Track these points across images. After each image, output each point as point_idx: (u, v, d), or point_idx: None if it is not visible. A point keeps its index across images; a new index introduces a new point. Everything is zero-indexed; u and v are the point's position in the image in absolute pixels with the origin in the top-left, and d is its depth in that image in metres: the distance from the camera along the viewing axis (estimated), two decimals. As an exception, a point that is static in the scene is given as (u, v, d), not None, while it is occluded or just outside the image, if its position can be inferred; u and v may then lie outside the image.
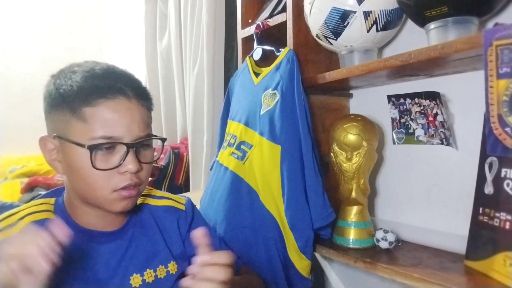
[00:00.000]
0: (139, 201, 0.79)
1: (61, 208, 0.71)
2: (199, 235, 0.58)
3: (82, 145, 0.62)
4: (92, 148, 0.62)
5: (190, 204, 0.86)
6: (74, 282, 0.65)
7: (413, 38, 0.92)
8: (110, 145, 0.64)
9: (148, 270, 0.72)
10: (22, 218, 0.67)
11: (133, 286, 0.70)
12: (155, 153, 0.74)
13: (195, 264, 0.56)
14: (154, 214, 0.79)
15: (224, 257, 0.57)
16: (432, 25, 0.74)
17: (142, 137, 0.67)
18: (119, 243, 0.72)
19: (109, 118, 0.63)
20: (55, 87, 0.66)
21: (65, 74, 0.66)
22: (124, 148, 0.64)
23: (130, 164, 0.64)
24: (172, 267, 0.76)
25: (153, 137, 0.70)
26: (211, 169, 1.15)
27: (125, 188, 0.66)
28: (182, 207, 0.83)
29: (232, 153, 1.02)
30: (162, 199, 0.83)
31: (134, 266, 0.71)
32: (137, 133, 0.66)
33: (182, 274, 0.78)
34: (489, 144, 0.61)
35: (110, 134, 0.63)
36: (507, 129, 0.59)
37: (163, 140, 0.74)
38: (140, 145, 0.67)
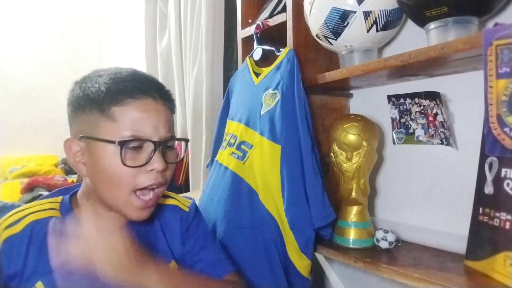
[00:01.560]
0: None
1: (67, 208, 0.72)
2: None
3: (112, 142, 0.63)
4: (123, 144, 0.63)
5: (194, 207, 0.86)
6: (72, 277, 0.65)
7: (413, 38, 0.92)
8: (138, 143, 0.65)
9: None
10: (25, 216, 0.67)
11: None
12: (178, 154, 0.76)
13: None
14: (159, 212, 0.79)
15: None
16: (432, 25, 0.74)
17: (168, 137, 0.68)
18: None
19: (138, 118, 0.65)
20: (81, 90, 0.67)
21: (91, 79, 0.68)
22: (152, 146, 0.65)
23: (157, 163, 0.66)
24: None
25: (177, 139, 0.72)
26: (207, 167, 1.15)
27: (147, 188, 0.67)
28: (186, 209, 0.84)
29: (232, 153, 1.02)
30: (167, 198, 0.83)
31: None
32: (163, 133, 0.67)
33: None
34: (488, 145, 0.61)
35: (139, 133, 0.65)
36: (506, 129, 0.59)
37: (187, 141, 0.77)
38: (165, 145, 0.69)
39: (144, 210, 0.68)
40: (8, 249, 0.63)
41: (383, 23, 0.87)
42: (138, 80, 0.68)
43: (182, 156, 0.71)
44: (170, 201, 0.82)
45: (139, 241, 0.73)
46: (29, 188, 2.43)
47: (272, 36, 1.10)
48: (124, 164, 0.64)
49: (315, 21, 0.92)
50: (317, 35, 0.96)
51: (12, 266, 0.63)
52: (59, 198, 0.74)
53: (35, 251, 0.65)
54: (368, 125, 0.91)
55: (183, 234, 0.80)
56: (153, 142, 0.65)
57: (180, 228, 0.80)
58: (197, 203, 0.90)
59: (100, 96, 0.65)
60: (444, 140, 0.83)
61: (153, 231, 0.77)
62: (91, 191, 0.70)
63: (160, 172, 0.67)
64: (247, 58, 1.14)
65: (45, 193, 2.27)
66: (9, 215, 0.68)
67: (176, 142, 0.74)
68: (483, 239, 0.70)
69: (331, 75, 0.92)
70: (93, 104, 0.65)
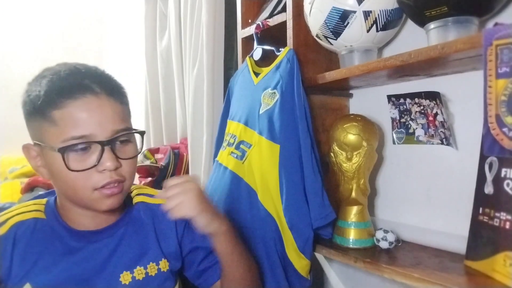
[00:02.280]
0: (135, 199, 0.80)
1: (51, 209, 0.72)
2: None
3: (53, 149, 0.62)
4: (63, 150, 0.62)
5: None
6: (57, 280, 0.65)
7: (413, 38, 0.92)
8: (84, 145, 0.63)
9: (138, 267, 0.73)
10: (10, 218, 0.68)
11: (122, 283, 0.70)
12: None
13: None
14: (151, 212, 0.79)
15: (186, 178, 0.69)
16: (432, 25, 0.74)
17: (118, 132, 0.66)
18: (108, 242, 0.72)
19: (78, 118, 0.62)
20: (27, 95, 0.66)
21: (36, 81, 0.66)
22: (99, 146, 0.63)
23: (108, 162, 0.64)
24: (163, 264, 0.76)
25: (129, 132, 0.68)
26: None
27: (106, 186, 0.65)
28: None
29: (232, 152, 1.02)
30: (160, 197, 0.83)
31: (123, 263, 0.72)
32: (111, 129, 0.65)
33: (174, 272, 0.78)
34: (487, 145, 0.61)
35: (81, 134, 0.62)
36: (505, 129, 0.59)
37: (142, 133, 0.72)
38: (117, 141, 0.66)
39: (111, 198, 0.67)
40: None
41: (383, 23, 0.87)
42: (76, 77, 0.65)
43: (140, 150, 0.68)
44: (161, 200, 0.82)
45: (128, 242, 0.73)
46: (29, 188, 2.42)
47: (272, 36, 1.10)
48: (69, 169, 0.62)
49: (315, 21, 0.92)
50: (317, 35, 0.96)
51: None
52: (44, 200, 0.74)
53: (21, 253, 0.65)
54: (368, 125, 0.91)
55: (181, 231, 0.80)
56: (99, 142, 0.63)
57: (175, 225, 0.80)
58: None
59: (40, 101, 0.63)
60: (444, 140, 0.83)
61: (142, 231, 0.76)
62: (59, 192, 0.71)
63: (113, 170, 0.65)
64: (247, 58, 1.14)
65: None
66: None
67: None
68: (483, 239, 0.70)
69: (331, 75, 0.92)
70: (35, 110, 0.64)
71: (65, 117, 0.62)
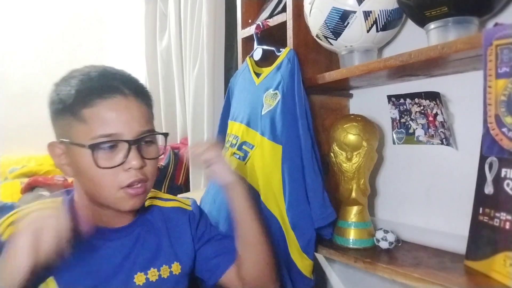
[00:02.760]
0: (147, 202, 0.80)
1: (69, 207, 0.71)
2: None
3: (83, 146, 0.64)
4: (93, 147, 0.64)
5: (195, 205, 0.87)
6: (79, 276, 0.66)
7: (413, 38, 0.92)
8: (111, 143, 0.65)
9: (152, 269, 0.73)
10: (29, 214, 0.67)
11: (136, 284, 0.71)
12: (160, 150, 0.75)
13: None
14: (164, 215, 0.80)
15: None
16: (432, 25, 0.74)
17: (144, 132, 0.68)
18: (125, 241, 0.73)
19: (107, 117, 0.64)
20: (56, 94, 0.68)
21: (65, 80, 0.68)
22: (126, 145, 0.65)
23: (134, 160, 0.65)
24: (176, 267, 0.77)
25: (154, 133, 0.71)
26: None
27: (131, 186, 0.66)
28: (189, 208, 0.85)
29: (234, 153, 1.02)
30: (169, 201, 0.84)
31: (138, 264, 0.72)
32: (137, 129, 0.67)
33: (186, 275, 0.78)
34: (486, 145, 0.61)
35: (109, 132, 0.64)
36: (504, 130, 0.59)
37: (166, 135, 0.77)
38: (142, 142, 0.68)
39: (135, 198, 0.68)
40: None
41: (383, 23, 0.87)
42: (106, 79, 0.67)
43: (163, 152, 0.71)
44: (172, 204, 0.83)
45: (142, 243, 0.73)
46: (29, 188, 2.42)
47: (272, 36, 1.10)
48: (98, 166, 0.64)
49: (315, 21, 0.92)
50: (317, 35, 0.96)
51: None
52: (60, 198, 0.74)
53: None
54: (368, 125, 0.91)
55: (194, 233, 0.82)
56: (127, 141, 0.65)
57: (190, 228, 0.81)
58: (198, 203, 0.91)
59: (71, 100, 0.65)
60: (444, 140, 0.83)
61: (155, 234, 0.77)
62: (81, 191, 0.71)
63: (138, 169, 0.66)
64: (247, 58, 1.14)
65: (45, 193, 2.27)
66: (12, 214, 0.68)
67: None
68: (483, 239, 0.70)
69: (331, 75, 0.92)
70: (65, 108, 0.66)
71: (94, 116, 0.64)
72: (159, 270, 0.74)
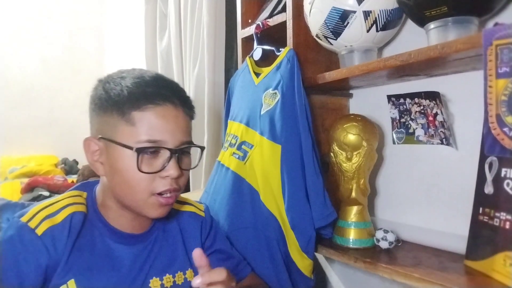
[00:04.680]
0: None
1: (93, 205, 0.72)
2: (196, 255, 0.61)
3: (130, 147, 0.64)
4: (140, 151, 0.64)
5: (208, 212, 0.87)
6: (98, 278, 0.66)
7: (413, 38, 0.92)
8: (155, 149, 0.65)
9: (167, 275, 0.73)
10: (65, 207, 0.67)
11: None
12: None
13: (195, 284, 0.60)
14: (178, 219, 0.80)
15: (221, 274, 0.61)
16: (432, 25, 0.74)
17: (184, 143, 0.68)
18: (144, 246, 0.73)
19: (156, 123, 0.65)
20: (104, 91, 0.67)
21: (114, 80, 0.68)
22: (168, 153, 0.66)
23: (172, 169, 0.66)
24: (190, 274, 0.77)
25: (193, 145, 0.72)
26: None
27: (163, 194, 0.67)
28: (203, 214, 0.85)
29: (233, 153, 1.02)
30: (184, 204, 0.84)
31: (154, 269, 0.72)
32: (180, 139, 0.67)
33: None
34: (487, 144, 0.61)
35: (156, 139, 0.64)
36: (505, 129, 0.59)
37: (202, 148, 0.77)
38: (181, 152, 0.68)
39: (163, 207, 0.68)
40: (48, 240, 0.62)
41: (383, 23, 0.87)
42: (160, 86, 0.68)
43: (196, 164, 0.71)
44: (188, 208, 0.83)
45: (159, 248, 0.74)
46: (29, 188, 2.42)
47: (272, 36, 1.10)
48: (140, 170, 0.64)
49: (315, 21, 0.92)
50: (317, 35, 0.96)
51: (47, 258, 0.62)
52: (84, 194, 0.73)
53: (71, 245, 0.65)
54: (368, 125, 0.91)
55: (203, 241, 0.82)
56: (169, 149, 0.65)
57: (200, 236, 0.81)
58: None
59: (122, 100, 0.65)
60: (444, 140, 0.83)
61: (172, 241, 0.77)
62: (108, 190, 0.70)
63: (174, 178, 0.67)
64: (247, 58, 1.14)
65: (45, 193, 2.27)
66: (46, 205, 0.67)
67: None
68: (483, 239, 0.70)
69: (331, 75, 0.92)
70: (114, 106, 0.65)
71: (143, 120, 0.64)
72: (174, 277, 0.74)
